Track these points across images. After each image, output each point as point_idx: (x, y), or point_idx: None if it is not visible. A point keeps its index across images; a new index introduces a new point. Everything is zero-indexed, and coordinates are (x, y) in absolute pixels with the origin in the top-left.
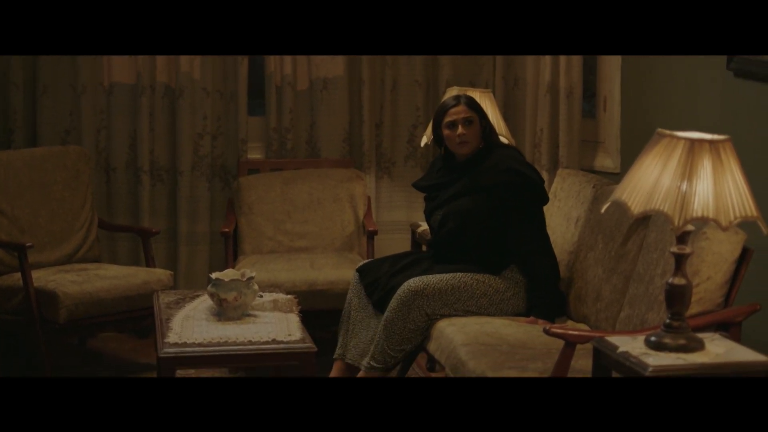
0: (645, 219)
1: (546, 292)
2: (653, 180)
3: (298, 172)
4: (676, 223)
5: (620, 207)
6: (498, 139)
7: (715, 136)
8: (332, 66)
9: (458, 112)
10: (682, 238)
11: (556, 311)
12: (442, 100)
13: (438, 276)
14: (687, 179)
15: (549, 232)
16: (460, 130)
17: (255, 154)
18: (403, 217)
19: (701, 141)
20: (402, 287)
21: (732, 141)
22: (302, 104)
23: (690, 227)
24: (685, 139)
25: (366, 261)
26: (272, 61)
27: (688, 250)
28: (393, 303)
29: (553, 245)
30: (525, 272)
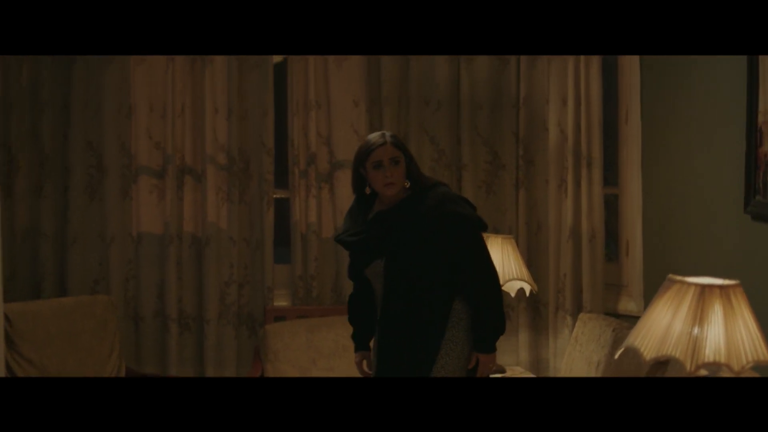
0: (664, 362)
1: (487, 324)
2: (665, 325)
3: (323, 320)
4: (688, 368)
5: (633, 352)
6: (425, 177)
7: (726, 281)
8: None
9: (385, 152)
10: None
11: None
12: (366, 138)
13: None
14: (698, 324)
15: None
16: (387, 171)
17: (281, 302)
18: None
19: (711, 286)
20: None
21: (751, 284)
22: (327, 252)
23: (703, 372)
24: (696, 284)
25: None
26: (297, 210)
27: None
28: None
29: None
30: (468, 304)
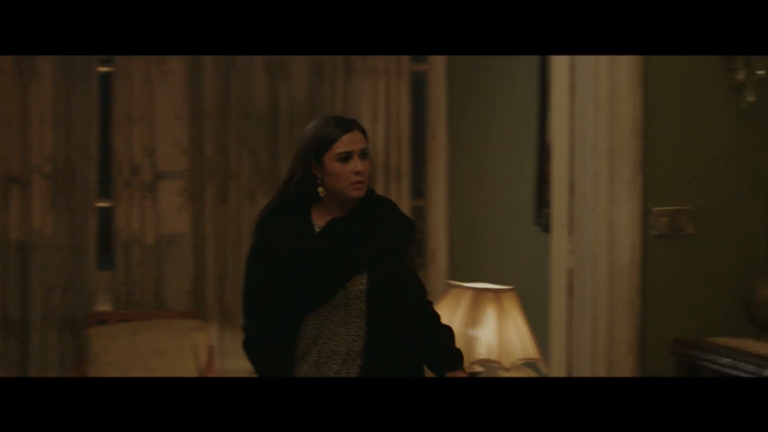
0: None
1: (453, 339)
2: None
3: (144, 323)
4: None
5: None
6: None
7: (500, 287)
8: (178, 223)
9: (354, 141)
10: None
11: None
12: (317, 125)
13: None
14: (473, 325)
15: None
16: (358, 165)
17: (105, 307)
18: (245, 365)
19: (485, 291)
20: None
21: (538, 290)
22: (149, 259)
23: (479, 368)
24: (472, 289)
25: None
26: (120, 218)
27: None
28: None
29: None
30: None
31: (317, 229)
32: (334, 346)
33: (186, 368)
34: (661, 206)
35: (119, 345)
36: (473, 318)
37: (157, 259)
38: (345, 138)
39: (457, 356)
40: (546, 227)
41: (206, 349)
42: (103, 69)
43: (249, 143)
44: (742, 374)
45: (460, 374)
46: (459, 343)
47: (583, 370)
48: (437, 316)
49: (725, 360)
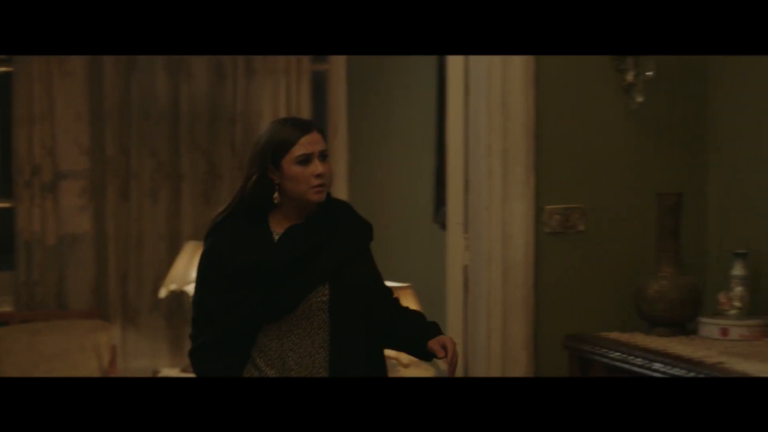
0: None
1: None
2: None
3: (46, 324)
4: None
5: None
6: None
7: (397, 284)
8: (79, 223)
9: (314, 142)
10: None
11: None
12: (273, 128)
13: None
14: None
15: None
16: (319, 167)
17: (5, 307)
18: (148, 365)
19: None
20: None
21: (436, 286)
22: (51, 259)
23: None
24: None
25: None
26: (21, 218)
27: None
28: None
29: None
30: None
31: (276, 237)
32: (298, 358)
33: (88, 369)
34: (553, 204)
35: (20, 346)
36: None
37: (59, 259)
38: (304, 140)
39: (432, 325)
40: (445, 225)
41: (109, 349)
42: (1, 69)
43: (150, 143)
44: (632, 368)
45: (444, 338)
46: None
47: (479, 365)
48: (407, 309)
49: (615, 354)
